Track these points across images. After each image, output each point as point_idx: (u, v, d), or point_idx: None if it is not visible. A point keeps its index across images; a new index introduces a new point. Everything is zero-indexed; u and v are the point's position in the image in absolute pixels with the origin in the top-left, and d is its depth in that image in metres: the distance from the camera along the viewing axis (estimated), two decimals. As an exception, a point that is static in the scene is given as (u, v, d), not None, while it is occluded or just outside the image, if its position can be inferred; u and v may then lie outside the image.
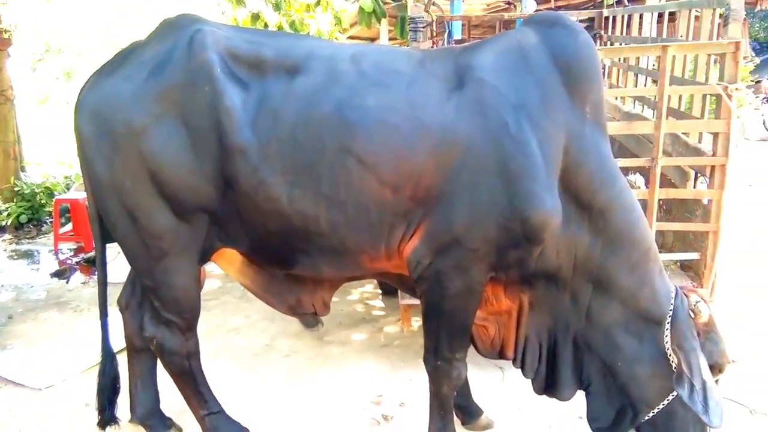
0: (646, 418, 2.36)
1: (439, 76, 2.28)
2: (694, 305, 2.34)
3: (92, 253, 6.00)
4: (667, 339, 2.29)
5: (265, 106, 2.22)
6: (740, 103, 13.73)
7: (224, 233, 2.42)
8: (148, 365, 2.85)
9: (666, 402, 2.32)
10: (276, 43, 2.36)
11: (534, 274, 2.37)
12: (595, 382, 2.47)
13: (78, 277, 5.83)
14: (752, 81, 19.09)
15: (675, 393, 2.25)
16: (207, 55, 2.22)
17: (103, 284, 2.70)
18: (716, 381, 2.31)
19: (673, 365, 2.26)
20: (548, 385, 2.57)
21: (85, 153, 2.34)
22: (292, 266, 2.51)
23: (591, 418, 2.49)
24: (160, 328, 2.58)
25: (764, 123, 15.40)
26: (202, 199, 2.30)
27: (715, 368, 2.31)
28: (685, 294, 2.38)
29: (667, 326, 2.30)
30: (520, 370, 2.60)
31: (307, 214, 2.25)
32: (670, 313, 2.31)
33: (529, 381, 2.61)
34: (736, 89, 3.20)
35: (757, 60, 22.72)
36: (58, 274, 5.87)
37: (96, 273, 5.83)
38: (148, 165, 2.24)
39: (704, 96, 3.84)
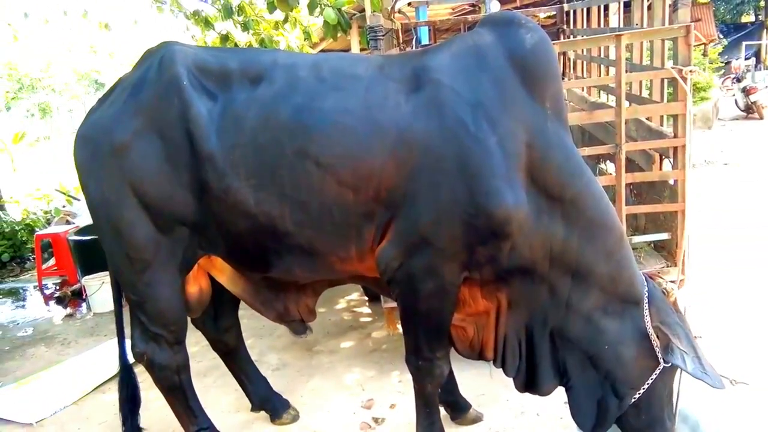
0: (631, 401, 2.33)
1: (397, 79, 2.32)
2: (665, 285, 2.40)
3: (77, 286, 6.01)
4: (647, 319, 2.32)
5: (230, 113, 2.32)
6: (710, 84, 13.94)
7: (204, 240, 2.49)
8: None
9: (649, 382, 2.31)
10: (241, 56, 2.48)
11: (509, 272, 2.35)
12: (575, 377, 2.44)
13: (63, 310, 5.83)
14: (722, 62, 19.40)
15: (657, 373, 2.27)
16: (175, 69, 2.34)
17: (118, 306, 2.79)
18: None
19: (655, 345, 2.28)
20: (528, 381, 2.55)
21: (81, 179, 2.51)
22: (267, 268, 2.54)
23: (575, 414, 2.45)
24: (149, 343, 2.62)
25: (736, 102, 15.57)
26: (180, 207, 2.39)
27: None
28: (650, 277, 2.43)
29: (646, 306, 2.33)
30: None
31: (272, 214, 2.31)
32: (646, 293, 2.35)
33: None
34: (690, 71, 3.27)
35: (725, 41, 23.17)
36: (60, 300, 6.06)
37: (82, 305, 5.87)
38: (130, 178, 2.37)
39: (662, 81, 3.93)
